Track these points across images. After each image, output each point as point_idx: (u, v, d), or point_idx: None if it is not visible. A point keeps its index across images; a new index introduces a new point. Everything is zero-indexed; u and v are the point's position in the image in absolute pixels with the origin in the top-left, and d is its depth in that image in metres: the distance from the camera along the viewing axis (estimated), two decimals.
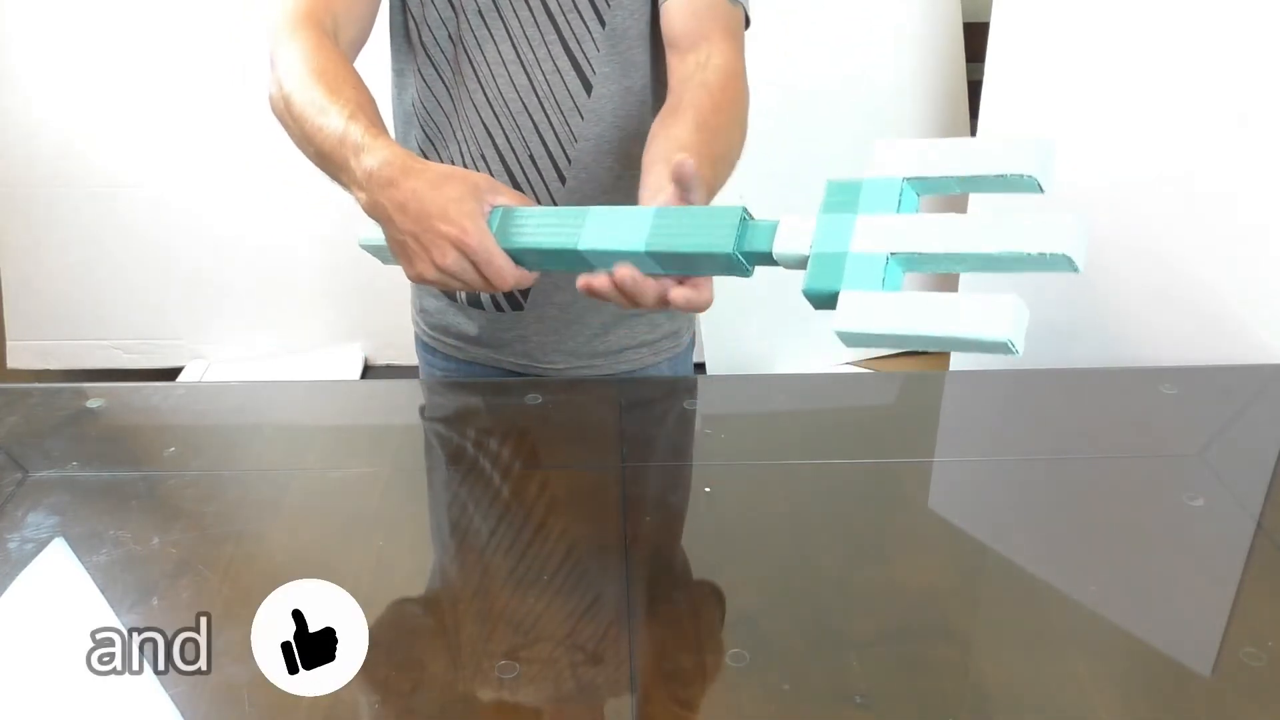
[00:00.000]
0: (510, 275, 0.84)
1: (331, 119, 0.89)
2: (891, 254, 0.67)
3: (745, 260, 0.76)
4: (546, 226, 0.83)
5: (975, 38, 2.25)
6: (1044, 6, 1.70)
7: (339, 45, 1.01)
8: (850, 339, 0.67)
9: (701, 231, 0.76)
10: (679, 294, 0.80)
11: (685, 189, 0.80)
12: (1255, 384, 1.22)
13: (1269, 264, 1.51)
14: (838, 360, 2.35)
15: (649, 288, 0.79)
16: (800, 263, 0.72)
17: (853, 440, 1.07)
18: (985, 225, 0.65)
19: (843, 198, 0.70)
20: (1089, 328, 1.71)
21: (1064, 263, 0.62)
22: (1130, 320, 1.66)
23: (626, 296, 0.80)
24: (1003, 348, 0.62)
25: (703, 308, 0.81)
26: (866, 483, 0.97)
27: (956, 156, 0.68)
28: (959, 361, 1.89)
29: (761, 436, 1.07)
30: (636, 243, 0.78)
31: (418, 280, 0.86)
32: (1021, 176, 0.66)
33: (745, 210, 0.77)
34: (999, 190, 0.68)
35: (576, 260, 0.83)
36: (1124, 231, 1.65)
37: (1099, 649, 0.77)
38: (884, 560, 0.87)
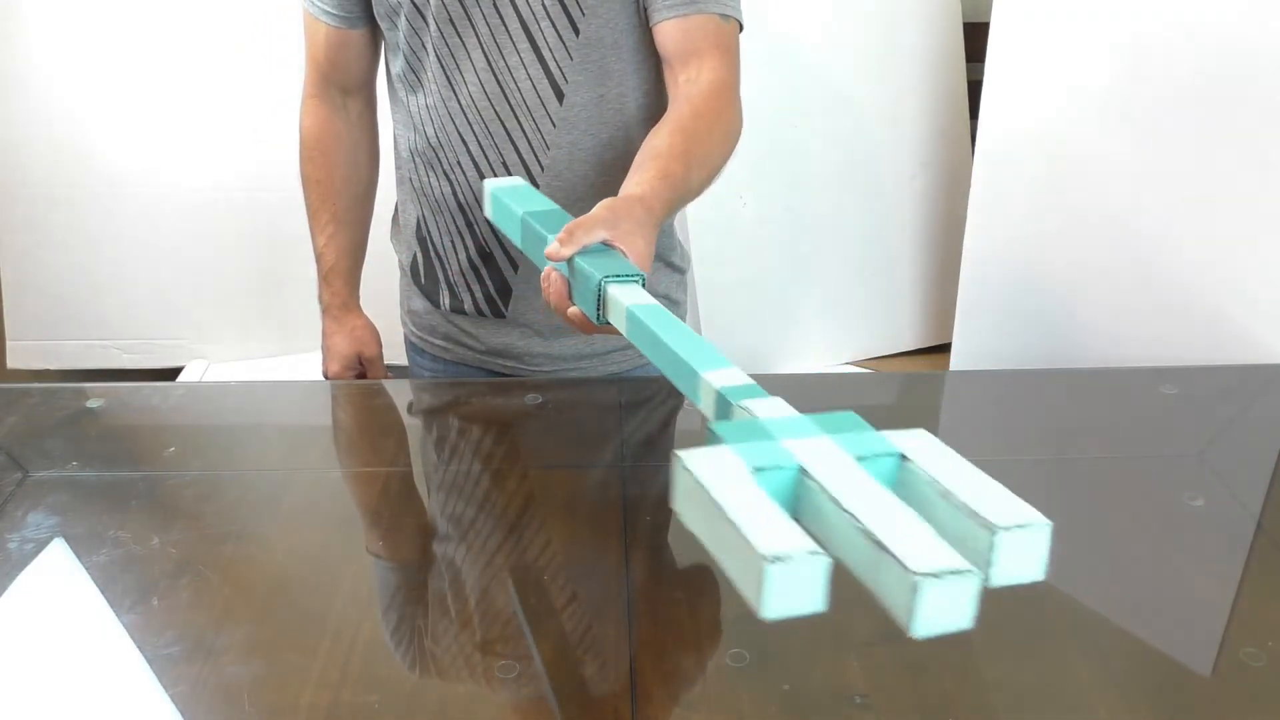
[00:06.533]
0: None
1: (315, 235, 1.26)
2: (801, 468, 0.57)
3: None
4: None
5: (975, 38, 2.25)
6: (1044, 6, 1.71)
7: (350, 101, 1.24)
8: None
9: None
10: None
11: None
12: (1255, 384, 1.22)
13: (1268, 264, 1.52)
14: (838, 360, 2.35)
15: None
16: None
17: None
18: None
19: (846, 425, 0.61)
20: (1089, 328, 1.71)
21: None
22: (1130, 320, 1.66)
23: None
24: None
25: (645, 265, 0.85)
26: None
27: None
28: (959, 361, 1.89)
29: None
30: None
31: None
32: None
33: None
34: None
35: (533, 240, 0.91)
36: (1124, 231, 1.65)
37: (1099, 649, 0.77)
38: None
